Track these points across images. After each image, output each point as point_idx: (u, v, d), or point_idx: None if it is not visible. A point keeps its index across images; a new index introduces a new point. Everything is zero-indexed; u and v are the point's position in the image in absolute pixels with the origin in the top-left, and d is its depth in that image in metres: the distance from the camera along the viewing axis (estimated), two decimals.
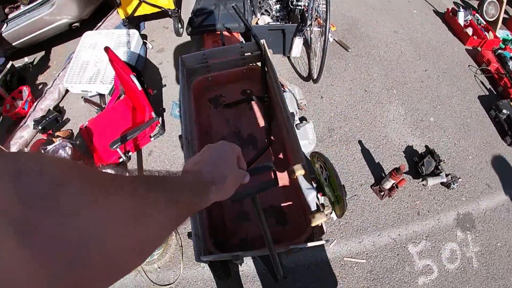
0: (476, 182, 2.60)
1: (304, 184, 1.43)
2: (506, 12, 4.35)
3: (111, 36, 3.33)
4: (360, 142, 2.69)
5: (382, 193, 2.37)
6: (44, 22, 3.47)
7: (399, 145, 2.70)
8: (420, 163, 2.51)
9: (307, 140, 2.47)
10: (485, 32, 4.04)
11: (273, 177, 1.19)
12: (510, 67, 3.49)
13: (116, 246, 0.34)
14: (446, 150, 2.74)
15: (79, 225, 0.30)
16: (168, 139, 2.76)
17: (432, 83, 3.31)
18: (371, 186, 2.43)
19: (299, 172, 1.41)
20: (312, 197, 1.40)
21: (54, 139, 2.92)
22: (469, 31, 4.03)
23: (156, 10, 3.47)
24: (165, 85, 3.16)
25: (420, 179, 2.47)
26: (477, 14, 4.36)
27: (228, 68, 2.18)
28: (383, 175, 2.42)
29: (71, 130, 3.04)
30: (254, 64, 2.19)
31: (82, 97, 3.09)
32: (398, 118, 2.91)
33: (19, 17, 3.45)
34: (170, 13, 3.47)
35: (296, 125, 2.40)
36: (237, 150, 0.70)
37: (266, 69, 2.08)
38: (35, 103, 3.25)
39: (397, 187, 2.30)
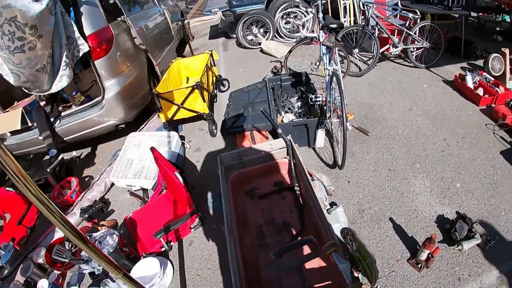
0: None
1: (338, 260, 1.55)
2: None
3: (154, 137, 3.70)
4: (391, 219, 2.74)
5: (419, 265, 2.36)
6: (94, 123, 3.88)
7: (429, 216, 2.74)
8: (452, 229, 2.52)
9: (339, 223, 2.55)
10: (496, 88, 4.18)
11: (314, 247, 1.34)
12: None
13: None
14: (477, 212, 2.75)
15: None
16: (207, 230, 2.91)
17: (453, 151, 3.41)
18: (407, 260, 2.43)
19: (332, 249, 1.54)
20: (347, 271, 1.50)
21: (99, 227, 3.15)
22: (480, 91, 4.18)
23: (192, 114, 3.86)
24: (203, 181, 3.40)
25: (455, 245, 2.45)
26: (484, 73, 4.55)
27: (261, 163, 2.44)
28: (418, 247, 2.43)
29: (116, 220, 3.25)
30: (283, 157, 2.44)
31: (128, 191, 3.39)
32: (425, 190, 2.98)
33: (71, 116, 3.87)
34: (205, 116, 3.84)
35: (327, 210, 2.56)
36: None
37: (294, 161, 2.31)
38: (82, 193, 3.56)
39: (432, 257, 2.30)
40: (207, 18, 9.83)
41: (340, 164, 3.15)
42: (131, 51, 4.14)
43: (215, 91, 4.54)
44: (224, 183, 2.27)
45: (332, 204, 2.79)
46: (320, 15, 3.67)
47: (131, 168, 3.47)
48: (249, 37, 6.53)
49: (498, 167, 3.19)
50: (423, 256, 2.31)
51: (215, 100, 4.59)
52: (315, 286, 1.87)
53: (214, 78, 4.51)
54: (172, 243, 2.83)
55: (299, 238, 2.11)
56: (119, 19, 4.07)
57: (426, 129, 3.76)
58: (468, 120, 3.84)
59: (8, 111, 4.05)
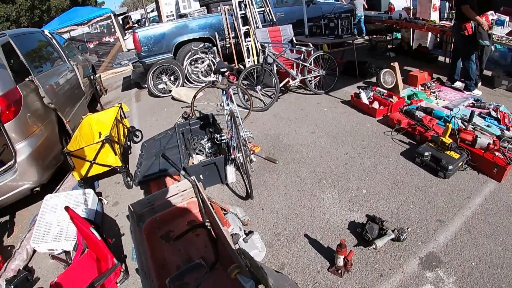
0: (426, 224, 2.84)
1: (242, 280, 1.68)
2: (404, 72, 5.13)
3: (70, 197, 3.65)
4: (306, 235, 2.89)
5: (340, 271, 2.48)
6: (8, 188, 3.73)
7: (342, 225, 2.93)
8: (363, 231, 2.70)
9: (257, 249, 2.70)
10: (390, 99, 4.74)
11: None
12: (418, 115, 4.15)
13: None
14: (387, 211, 3.00)
15: None
16: (133, 281, 2.88)
17: (356, 161, 3.74)
18: (327, 269, 2.55)
19: (236, 270, 1.69)
20: None
21: None
22: (376, 105, 4.74)
23: (106, 169, 3.86)
24: (123, 234, 3.39)
25: (370, 245, 2.61)
26: (378, 88, 5.16)
27: (172, 206, 2.58)
28: (334, 255, 2.53)
29: (42, 287, 3.16)
30: (191, 197, 2.59)
31: (49, 255, 3.31)
32: (334, 202, 3.21)
33: None
34: (118, 169, 3.86)
35: (243, 239, 2.72)
36: None
37: (201, 199, 2.47)
38: (5, 264, 3.41)
39: (349, 261, 2.43)
40: (119, 70, 9.86)
41: (250, 194, 3.35)
42: (40, 111, 4.12)
43: (128, 143, 4.59)
44: (136, 231, 2.37)
45: (249, 232, 2.92)
46: (217, 59, 3.95)
47: (50, 231, 3.39)
48: (160, 86, 6.73)
49: (400, 167, 3.58)
50: (340, 262, 2.46)
51: (129, 152, 4.64)
52: None
53: (126, 130, 4.57)
54: None
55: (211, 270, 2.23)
56: (27, 79, 4.06)
57: (329, 147, 4.10)
58: (367, 132, 4.27)
59: None
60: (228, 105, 3.45)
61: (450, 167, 3.30)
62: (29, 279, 3.20)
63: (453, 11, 6.98)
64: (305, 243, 2.84)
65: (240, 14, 6.85)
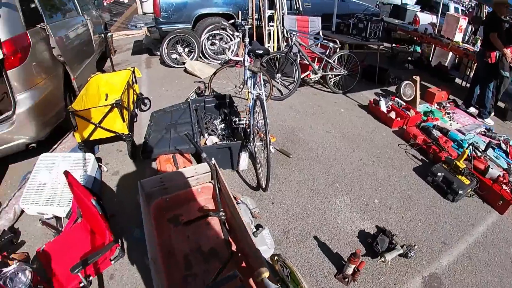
0: (431, 244, 2.84)
1: (268, 285, 1.53)
2: (422, 88, 5.06)
3: (68, 159, 3.40)
4: (315, 237, 2.83)
5: (347, 280, 2.45)
6: (1, 141, 3.46)
7: (352, 232, 2.89)
8: (374, 242, 2.68)
9: (266, 245, 2.55)
10: (407, 112, 4.67)
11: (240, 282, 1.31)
12: (434, 134, 4.12)
13: None
14: (396, 225, 2.99)
15: None
16: (129, 261, 2.73)
17: (369, 169, 3.68)
18: (334, 276, 2.51)
19: (264, 275, 1.53)
20: None
21: (9, 261, 2.80)
22: (393, 115, 4.68)
23: (110, 134, 3.61)
24: (122, 208, 3.20)
25: (379, 257, 2.61)
26: (396, 98, 5.08)
27: (184, 189, 2.38)
28: (343, 262, 2.53)
29: (27, 253, 2.89)
30: (208, 182, 2.40)
31: (39, 220, 3.08)
32: (346, 207, 3.16)
33: None
34: (124, 137, 3.62)
35: (253, 233, 2.56)
36: None
37: (219, 186, 2.28)
38: None
39: (358, 270, 2.40)
40: (131, 32, 9.49)
41: (264, 186, 3.20)
42: (48, 62, 3.83)
43: (136, 110, 4.34)
44: (145, 211, 2.16)
45: (258, 226, 2.81)
46: (247, 39, 3.73)
47: (43, 193, 3.14)
48: (174, 56, 6.46)
49: (412, 182, 3.55)
50: (350, 270, 2.41)
51: (135, 120, 4.40)
52: None
53: (135, 96, 4.32)
54: (91, 278, 2.58)
55: (226, 266, 2.05)
56: (38, 26, 3.76)
57: (343, 150, 4.01)
58: (382, 141, 4.18)
59: None
60: (255, 89, 3.26)
61: (460, 192, 3.32)
62: (14, 242, 2.96)
63: (477, 36, 7.03)
64: (314, 245, 2.78)
65: None
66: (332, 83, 5.58)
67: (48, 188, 3.19)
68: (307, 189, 3.38)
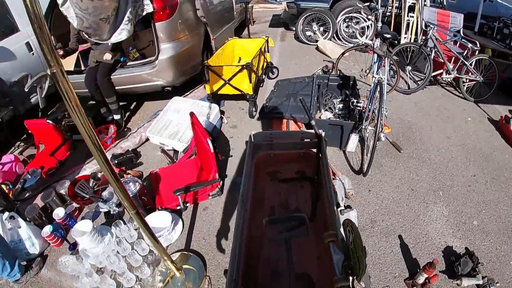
0: None
1: (334, 250, 1.58)
2: None
3: (195, 105, 3.87)
4: (400, 236, 2.76)
5: None
6: (143, 79, 4.12)
7: (438, 244, 2.74)
8: (457, 262, 2.49)
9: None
10: None
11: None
12: None
13: None
14: (486, 254, 2.72)
15: None
16: (223, 201, 3.06)
17: (480, 188, 3.36)
18: (404, 280, 2.44)
19: (331, 238, 1.59)
20: (339, 263, 1.54)
21: (125, 174, 3.37)
22: None
23: (236, 92, 4.00)
24: (231, 156, 3.56)
25: (456, 279, 2.42)
26: None
27: (288, 149, 2.52)
28: (418, 270, 2.42)
29: (142, 172, 3.46)
30: (311, 149, 2.51)
31: (160, 148, 3.59)
32: (441, 218, 2.98)
33: (124, 68, 4.16)
34: (248, 97, 3.98)
35: (340, 210, 2.62)
36: None
37: (320, 155, 2.38)
38: (117, 141, 3.81)
39: (429, 282, 2.29)
40: (271, 6, 9.90)
41: (364, 171, 3.19)
42: (191, 21, 4.32)
43: (263, 76, 4.63)
44: (249, 159, 2.38)
45: (347, 207, 2.85)
46: (379, 24, 3.68)
47: (168, 128, 3.65)
48: (308, 33, 6.57)
49: None
50: (421, 279, 2.31)
51: (261, 85, 4.70)
52: (305, 277, 1.95)
53: (265, 63, 4.61)
54: (188, 205, 2.99)
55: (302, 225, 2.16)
56: None
57: (458, 160, 3.71)
58: (503, 163, 3.75)
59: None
60: (378, 73, 3.23)
61: None
62: (133, 161, 3.51)
63: None
64: (395, 243, 2.71)
65: None
66: (464, 88, 5.12)
67: (173, 125, 3.67)
68: (407, 188, 3.26)
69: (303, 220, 1.81)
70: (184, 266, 2.49)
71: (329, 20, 6.21)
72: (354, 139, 3.34)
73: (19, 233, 2.83)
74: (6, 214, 2.89)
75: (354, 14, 6.36)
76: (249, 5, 7.08)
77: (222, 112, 4.17)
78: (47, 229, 2.88)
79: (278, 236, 1.80)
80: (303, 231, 1.66)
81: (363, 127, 3.39)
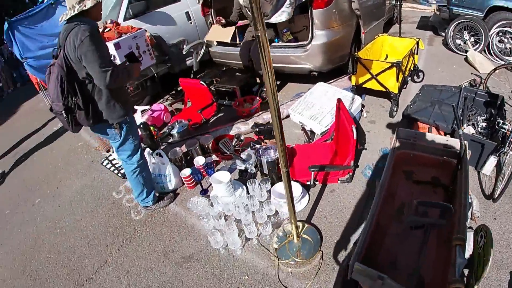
0: None
1: (459, 253, 1.61)
2: None
3: (339, 93, 4.10)
4: (511, 273, 2.52)
5: None
6: (292, 61, 4.52)
7: None
8: None
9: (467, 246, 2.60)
10: None
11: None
12: None
13: None
14: None
15: None
16: (351, 188, 3.21)
17: None
18: None
19: (459, 242, 1.64)
20: (461, 266, 1.57)
21: (263, 143, 3.81)
22: None
23: (381, 88, 4.11)
24: (366, 149, 3.70)
25: None
26: None
27: (429, 153, 2.63)
28: None
29: None
30: (451, 158, 2.58)
31: (301, 125, 3.94)
32: None
33: (276, 48, 4.66)
34: (392, 95, 4.06)
35: None
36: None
37: (460, 166, 2.43)
38: (260, 112, 4.29)
39: None
40: (420, 7, 9.42)
41: (495, 197, 3.03)
42: (345, 12, 4.52)
43: (408, 78, 4.64)
44: (391, 154, 2.57)
45: (469, 228, 2.77)
46: None
47: (310, 110, 3.96)
48: (458, 41, 6.21)
49: None
50: None
51: (405, 86, 4.71)
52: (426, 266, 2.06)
53: (412, 65, 4.61)
54: (317, 182, 3.26)
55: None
56: None
57: None
58: None
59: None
60: None
61: None
62: (272, 133, 3.87)
63: None
64: (505, 278, 2.50)
65: None
66: None
67: (315, 108, 3.97)
68: None
69: (448, 209, 1.95)
70: (303, 235, 2.75)
71: (482, 30, 5.76)
72: (492, 161, 3.21)
73: (161, 168, 3.41)
74: (149, 150, 3.52)
75: (510, 29, 5.78)
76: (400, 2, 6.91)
77: (362, 106, 4.30)
78: (187, 171, 3.44)
79: (421, 220, 1.97)
80: (443, 220, 1.78)
81: (504, 151, 3.24)
